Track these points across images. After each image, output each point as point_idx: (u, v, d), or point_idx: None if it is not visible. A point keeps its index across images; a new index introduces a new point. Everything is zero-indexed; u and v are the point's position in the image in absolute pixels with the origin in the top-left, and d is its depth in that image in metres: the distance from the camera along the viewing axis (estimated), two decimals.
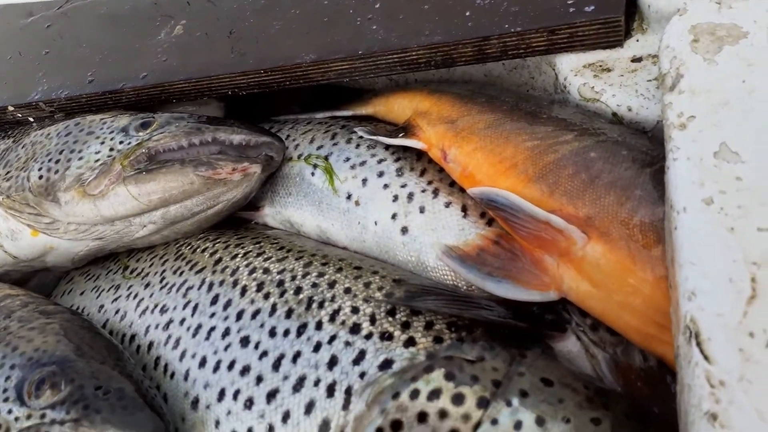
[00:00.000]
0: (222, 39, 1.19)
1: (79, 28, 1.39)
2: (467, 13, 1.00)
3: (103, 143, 1.09)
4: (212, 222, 1.10)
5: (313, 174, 1.09)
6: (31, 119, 1.30)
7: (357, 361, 0.78)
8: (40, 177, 1.09)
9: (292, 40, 1.12)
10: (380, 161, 1.04)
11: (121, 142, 1.08)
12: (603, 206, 0.79)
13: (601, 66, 0.96)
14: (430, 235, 0.94)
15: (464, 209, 0.95)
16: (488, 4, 1.00)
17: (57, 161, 1.10)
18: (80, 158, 1.08)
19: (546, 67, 1.04)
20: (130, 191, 1.03)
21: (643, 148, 0.84)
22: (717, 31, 0.77)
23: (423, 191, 0.98)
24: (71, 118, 1.20)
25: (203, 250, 1.03)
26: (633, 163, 0.81)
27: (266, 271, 0.93)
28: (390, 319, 0.81)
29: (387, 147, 1.06)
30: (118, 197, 1.03)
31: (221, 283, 0.94)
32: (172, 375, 0.86)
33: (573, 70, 0.97)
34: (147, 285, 1.02)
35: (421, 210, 0.97)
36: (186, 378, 0.84)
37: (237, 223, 1.16)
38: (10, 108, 1.29)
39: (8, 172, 1.15)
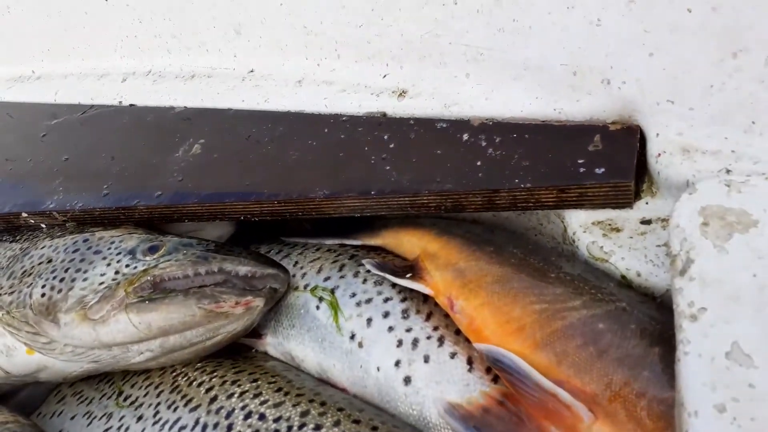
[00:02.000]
0: (238, 163, 1.21)
1: (100, 136, 1.43)
2: (478, 163, 1.02)
3: (109, 265, 1.09)
4: (210, 351, 1.09)
5: (318, 307, 1.08)
6: (43, 225, 1.31)
7: None
8: (43, 295, 1.08)
9: (307, 172, 1.14)
10: (386, 300, 1.04)
11: (127, 266, 1.08)
12: (611, 385, 0.77)
13: (610, 225, 0.96)
14: (433, 389, 0.92)
15: (470, 362, 0.93)
16: (499, 155, 1.02)
17: (61, 279, 1.09)
18: (85, 279, 1.08)
19: (555, 218, 1.05)
20: (131, 319, 1.02)
21: (652, 321, 0.83)
22: (727, 216, 0.77)
23: (428, 338, 0.97)
24: (81, 232, 1.21)
25: (199, 384, 1.01)
26: (641, 339, 0.80)
27: (262, 417, 0.90)
28: None
29: (393, 284, 1.06)
30: (119, 324, 1.02)
31: (215, 425, 0.91)
32: None
33: (582, 226, 0.98)
34: (140, 418, 1.00)
35: (426, 359, 0.95)
36: None
37: (236, 349, 1.14)
38: (24, 214, 1.30)
39: (11, 286, 1.15)
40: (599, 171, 0.94)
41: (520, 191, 0.97)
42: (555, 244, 1.07)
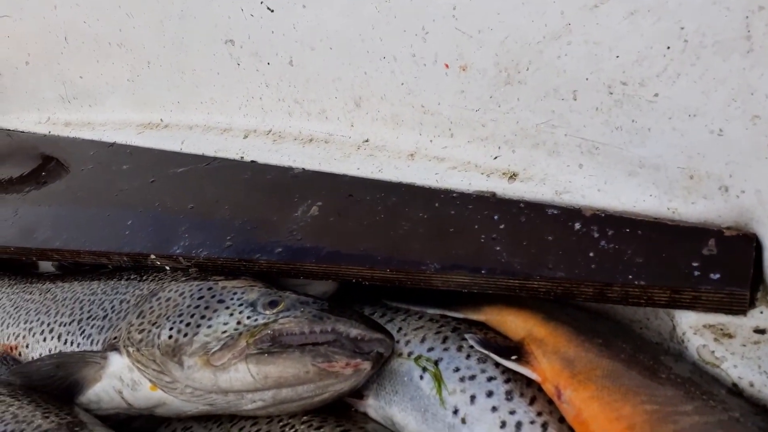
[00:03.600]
0: (355, 229, 1.30)
1: (224, 188, 1.55)
2: (591, 254, 1.06)
3: (231, 315, 1.19)
4: (316, 407, 1.15)
5: (421, 377, 1.13)
6: (167, 268, 1.44)
7: None
8: (170, 337, 1.19)
9: (418, 244, 1.21)
10: (490, 379, 1.08)
11: (248, 317, 1.17)
12: None
13: (722, 330, 0.98)
14: None
15: None
16: (612, 248, 1.06)
17: (188, 324, 1.19)
18: (209, 326, 1.18)
19: (664, 315, 1.07)
20: (250, 369, 1.10)
21: None
22: None
23: (532, 422, 1.00)
24: (204, 280, 1.31)
25: None
26: None
27: None
28: None
29: (497, 363, 1.10)
30: (238, 373, 1.11)
31: None
32: None
33: (692, 327, 1.00)
34: None
35: None
36: None
37: (337, 406, 1.20)
38: (152, 256, 1.43)
39: (141, 324, 1.26)
40: (714, 276, 0.97)
41: (633, 287, 1.00)
42: (661, 340, 1.09)
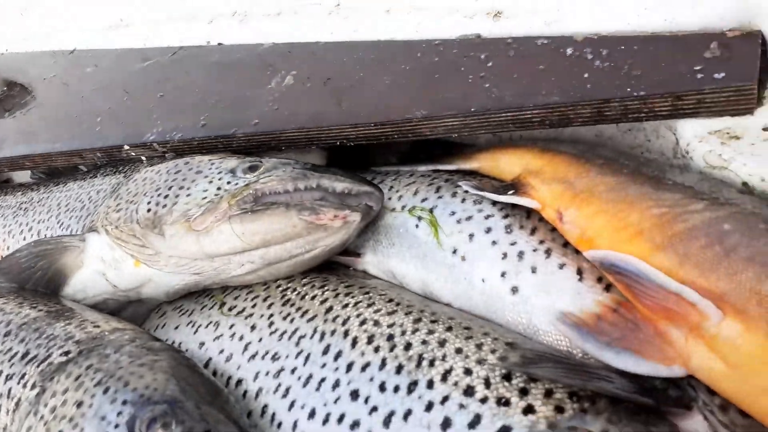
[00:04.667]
0: (331, 91, 1.22)
1: (192, 74, 1.46)
2: (585, 75, 1.00)
3: (211, 182, 1.13)
4: (307, 266, 1.11)
5: (417, 226, 1.08)
6: (143, 158, 1.36)
7: (473, 425, 0.75)
8: (148, 210, 1.13)
9: (402, 94, 1.14)
10: (487, 217, 1.03)
11: (228, 183, 1.11)
12: (740, 282, 0.75)
13: (728, 133, 0.92)
14: (542, 298, 0.91)
15: (579, 272, 0.91)
16: (608, 67, 0.99)
17: (165, 196, 1.13)
18: (188, 195, 1.12)
19: (665, 131, 1.01)
20: (234, 230, 1.04)
21: None
22: None
23: (534, 250, 0.96)
24: (180, 157, 1.25)
25: (313, 297, 1.03)
26: None
27: (376, 323, 0.92)
28: (506, 383, 0.78)
29: (494, 203, 1.05)
30: (222, 235, 1.05)
31: (332, 332, 0.93)
32: (279, 425, 0.84)
33: (697, 137, 0.94)
34: (253, 327, 1.03)
35: (533, 270, 0.94)
36: (294, 429, 0.83)
37: (335, 268, 1.16)
38: (126, 147, 1.35)
39: (118, 204, 1.20)
40: (718, 76, 0.90)
41: (633, 100, 0.94)
42: (665, 160, 1.04)
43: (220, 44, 1.51)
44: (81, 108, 1.55)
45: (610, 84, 0.97)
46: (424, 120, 1.10)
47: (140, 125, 1.38)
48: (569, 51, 1.04)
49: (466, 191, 1.08)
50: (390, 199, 1.16)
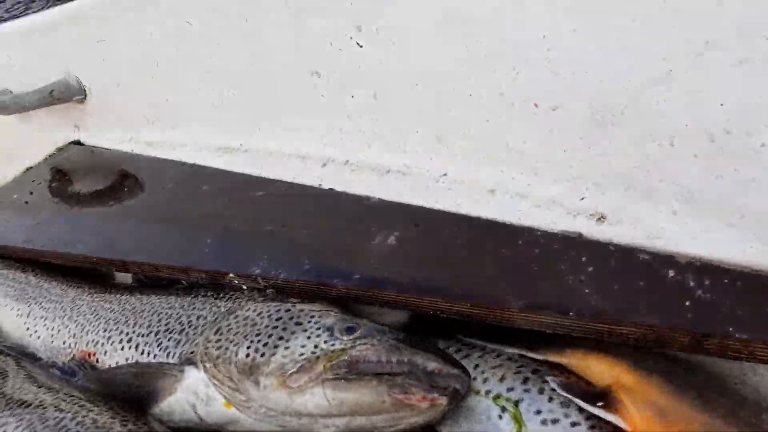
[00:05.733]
0: (434, 261, 1.29)
1: (301, 214, 1.58)
2: (687, 303, 1.03)
3: (309, 338, 1.19)
4: None
5: (500, 417, 1.10)
6: (244, 287, 1.46)
7: None
8: (247, 355, 1.19)
9: (500, 280, 1.20)
10: (573, 424, 1.04)
11: (326, 342, 1.17)
12: None
13: None
14: None
15: None
16: (710, 299, 1.02)
17: (265, 344, 1.20)
18: (287, 347, 1.18)
19: (764, 371, 1.02)
20: (326, 394, 1.09)
21: None
22: None
23: None
24: (282, 302, 1.33)
25: None
26: None
27: None
28: None
29: (581, 409, 1.06)
30: (314, 397, 1.10)
31: None
32: None
33: None
34: None
35: None
36: None
37: None
38: (231, 275, 1.45)
39: (218, 341, 1.27)
40: None
41: (734, 341, 0.96)
42: (759, 398, 1.03)
43: (331, 189, 1.63)
44: (192, 225, 1.69)
45: (711, 318, 0.99)
46: (519, 312, 1.14)
47: (247, 256, 1.48)
48: (671, 273, 1.09)
49: (553, 389, 1.10)
50: (475, 379, 1.19)
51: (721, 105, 1.04)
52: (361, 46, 1.55)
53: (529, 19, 1.22)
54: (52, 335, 1.57)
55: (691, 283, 1.05)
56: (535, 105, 1.30)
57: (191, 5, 1.81)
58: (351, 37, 1.55)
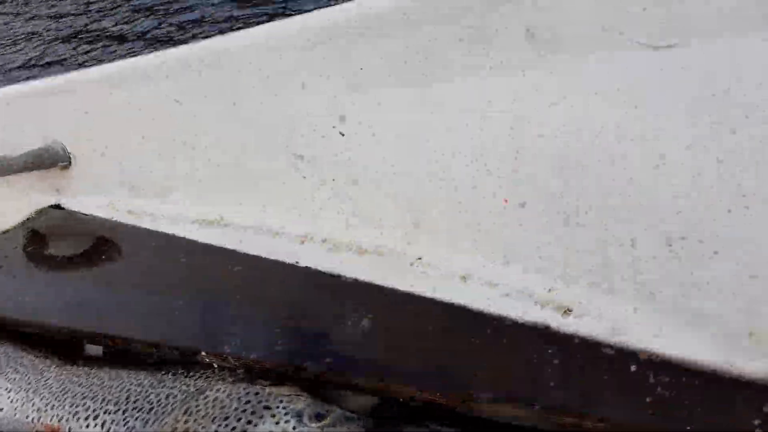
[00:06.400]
0: (405, 347, 1.32)
1: (276, 293, 1.60)
2: (648, 399, 1.06)
3: (277, 423, 1.19)
4: None
5: None
6: (215, 365, 1.45)
7: None
8: None
9: (469, 370, 1.23)
10: None
11: (294, 428, 1.18)
12: None
13: None
14: None
15: None
16: (669, 396, 1.06)
17: (233, 429, 1.20)
18: None
19: None
20: None
21: None
22: None
23: None
24: (251, 383, 1.33)
25: None
26: None
27: None
28: None
29: None
30: None
31: None
32: None
33: None
34: None
35: None
36: None
37: None
38: (203, 353, 1.45)
39: (187, 422, 1.26)
40: None
41: None
42: None
43: (307, 267, 1.66)
44: (166, 297, 1.69)
45: (671, 417, 1.03)
46: (486, 402, 1.16)
47: (219, 334, 1.49)
48: (633, 368, 1.13)
49: None
50: None
51: (678, 213, 1.11)
52: (343, 135, 1.63)
53: (496, 120, 1.31)
54: (16, 408, 1.53)
55: (652, 380, 1.09)
56: (505, 201, 1.37)
57: (183, 86, 1.89)
58: (334, 126, 1.63)
